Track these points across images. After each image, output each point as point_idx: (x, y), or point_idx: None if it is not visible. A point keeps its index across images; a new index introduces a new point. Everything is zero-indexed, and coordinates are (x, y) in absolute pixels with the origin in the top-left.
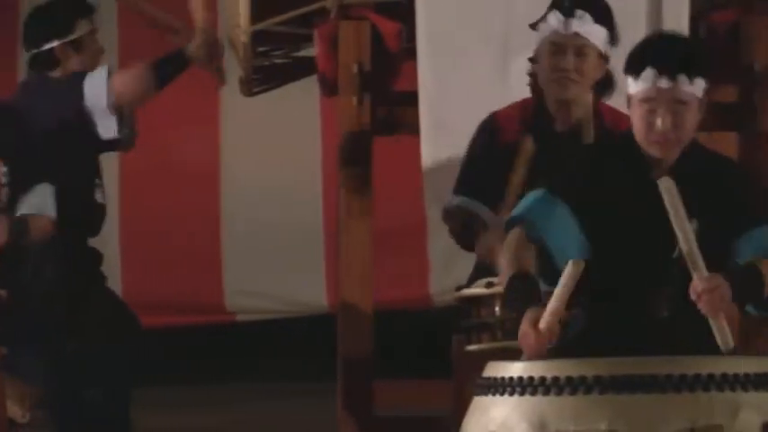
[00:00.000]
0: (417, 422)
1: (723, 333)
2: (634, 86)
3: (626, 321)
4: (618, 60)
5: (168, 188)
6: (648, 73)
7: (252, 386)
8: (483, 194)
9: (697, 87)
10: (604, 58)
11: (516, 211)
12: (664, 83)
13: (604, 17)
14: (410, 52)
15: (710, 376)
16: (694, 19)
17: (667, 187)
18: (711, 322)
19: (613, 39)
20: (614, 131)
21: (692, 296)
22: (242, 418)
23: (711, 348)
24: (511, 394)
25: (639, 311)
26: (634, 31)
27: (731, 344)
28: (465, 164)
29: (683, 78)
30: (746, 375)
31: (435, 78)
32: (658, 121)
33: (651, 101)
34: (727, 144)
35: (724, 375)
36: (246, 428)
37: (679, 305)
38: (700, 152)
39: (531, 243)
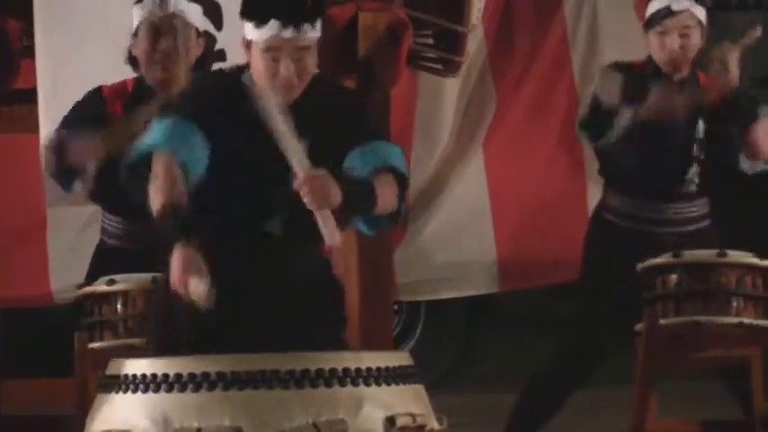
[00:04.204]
0: (43, 421)
1: (329, 228)
2: (255, 34)
3: (247, 245)
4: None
5: None
6: (272, 24)
7: None
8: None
9: (317, 30)
10: (203, 35)
11: (153, 140)
12: (288, 33)
13: None
14: (29, 50)
15: (333, 371)
16: None
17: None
18: (317, 217)
19: (215, 18)
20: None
21: (296, 188)
22: None
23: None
24: (134, 392)
25: (258, 229)
26: None
27: (337, 239)
28: (64, 119)
29: (306, 27)
30: (369, 370)
31: (53, 76)
32: (282, 69)
33: (274, 50)
34: None
35: (346, 370)
36: None
37: (292, 232)
38: (320, 85)
39: (177, 168)
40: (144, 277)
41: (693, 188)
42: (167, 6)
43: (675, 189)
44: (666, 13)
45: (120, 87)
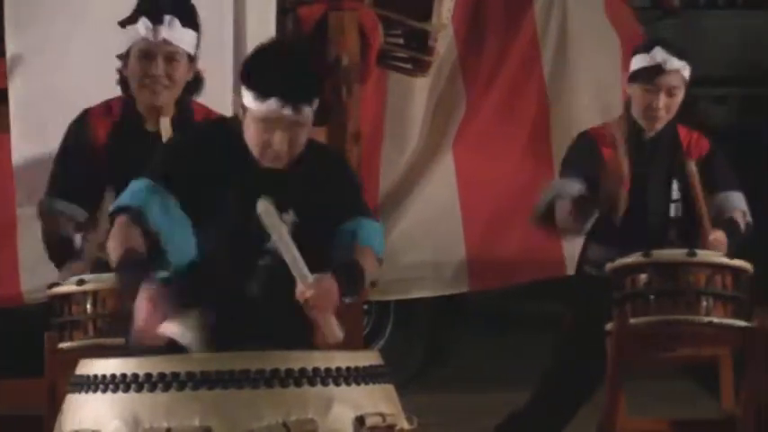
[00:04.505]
0: (12, 421)
1: (330, 328)
2: (254, 104)
3: (225, 305)
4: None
5: None
6: (273, 102)
7: None
8: (76, 195)
9: (314, 106)
10: (193, 59)
11: (121, 201)
12: (287, 110)
13: (192, 20)
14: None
15: (302, 371)
16: (282, 13)
17: (265, 210)
18: (318, 318)
19: (200, 39)
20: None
21: (299, 298)
22: None
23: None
24: (104, 392)
25: (238, 292)
26: (219, 25)
27: (339, 335)
28: (56, 163)
29: (305, 107)
30: (339, 370)
31: (25, 75)
32: (276, 141)
33: (271, 121)
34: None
35: (316, 370)
36: None
37: (274, 284)
38: (312, 151)
39: (137, 227)
40: (114, 277)
41: (675, 245)
42: (159, 33)
43: (657, 246)
44: (658, 71)
45: (104, 111)
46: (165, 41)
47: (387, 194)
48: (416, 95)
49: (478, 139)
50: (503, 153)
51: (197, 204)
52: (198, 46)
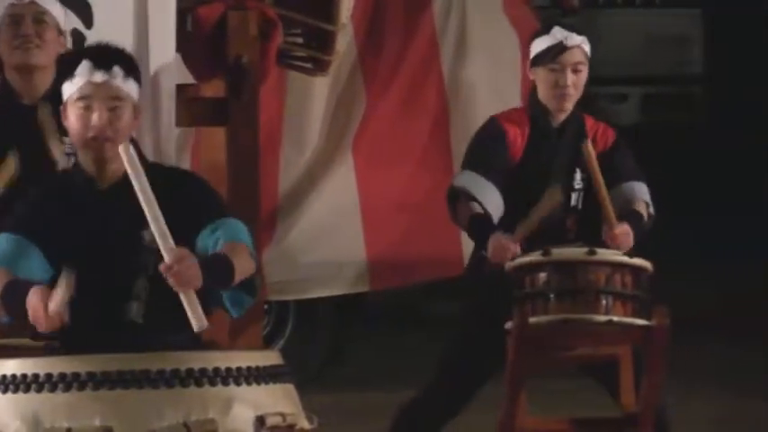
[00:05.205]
0: None
1: (195, 311)
2: (69, 86)
3: (105, 315)
4: None
5: None
6: (84, 67)
7: None
8: None
9: (132, 86)
10: (63, 34)
11: None
12: (99, 76)
13: None
14: None
15: (203, 371)
16: (181, 12)
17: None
18: (183, 299)
19: (85, 16)
20: None
21: (163, 271)
22: None
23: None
24: (4, 392)
25: (117, 317)
26: (121, 25)
27: (204, 322)
28: None
29: (117, 71)
30: (239, 369)
31: None
32: (94, 117)
33: (87, 98)
34: (216, 138)
35: (216, 370)
36: None
37: (156, 292)
38: (158, 168)
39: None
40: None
41: (572, 235)
42: None
43: (554, 236)
44: (560, 49)
45: None
46: (33, 2)
47: (286, 195)
48: (316, 95)
49: (378, 139)
50: (403, 152)
51: (58, 245)
52: (87, 26)
